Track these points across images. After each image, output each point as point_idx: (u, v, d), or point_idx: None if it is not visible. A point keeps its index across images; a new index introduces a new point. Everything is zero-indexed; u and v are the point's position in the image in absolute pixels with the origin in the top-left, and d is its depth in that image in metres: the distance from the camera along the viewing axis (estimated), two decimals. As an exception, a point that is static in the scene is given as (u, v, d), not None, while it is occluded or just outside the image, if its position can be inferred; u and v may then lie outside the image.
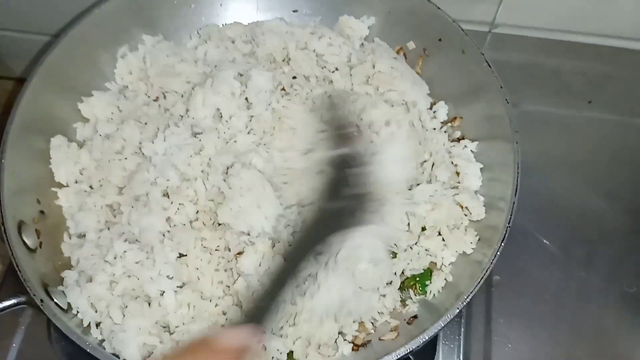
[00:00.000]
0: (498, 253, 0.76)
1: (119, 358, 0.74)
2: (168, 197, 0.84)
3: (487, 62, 0.88)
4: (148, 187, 0.84)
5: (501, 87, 0.85)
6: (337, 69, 0.96)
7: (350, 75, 0.95)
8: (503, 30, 1.09)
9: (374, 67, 0.95)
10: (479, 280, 0.75)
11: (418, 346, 0.73)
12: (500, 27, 1.09)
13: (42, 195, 0.87)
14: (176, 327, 0.78)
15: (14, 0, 1.08)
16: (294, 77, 0.95)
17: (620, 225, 0.99)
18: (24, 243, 0.79)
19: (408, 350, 0.72)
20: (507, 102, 0.84)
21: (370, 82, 0.94)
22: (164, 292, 0.78)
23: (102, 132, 0.92)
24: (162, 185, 0.84)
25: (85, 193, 0.88)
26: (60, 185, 0.89)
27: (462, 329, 0.91)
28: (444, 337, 0.90)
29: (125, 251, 0.80)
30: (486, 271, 0.75)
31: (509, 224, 0.77)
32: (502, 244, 0.76)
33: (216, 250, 0.83)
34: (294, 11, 1.03)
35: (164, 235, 0.82)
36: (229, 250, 0.81)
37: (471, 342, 0.91)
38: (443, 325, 0.73)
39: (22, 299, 0.75)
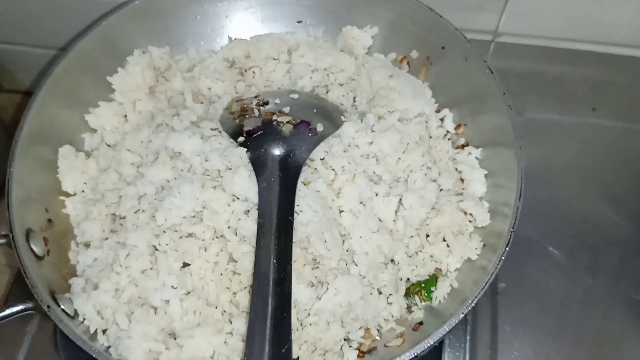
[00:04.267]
0: (502, 258, 0.76)
1: (125, 364, 0.75)
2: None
3: (489, 69, 0.88)
4: (136, 202, 0.85)
5: (504, 94, 0.86)
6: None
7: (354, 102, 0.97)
8: (506, 39, 1.10)
9: (370, 85, 0.96)
10: (483, 285, 0.74)
11: (423, 351, 0.73)
12: (503, 35, 1.10)
13: (50, 204, 0.88)
14: (181, 332, 0.79)
15: (21, 15, 1.10)
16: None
17: (625, 232, 0.99)
18: (32, 250, 0.80)
19: (412, 356, 0.72)
20: (510, 108, 0.85)
21: (372, 105, 0.95)
22: (169, 300, 0.78)
23: (109, 141, 0.93)
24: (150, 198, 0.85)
25: (91, 202, 0.89)
26: (68, 194, 0.90)
27: (468, 337, 0.91)
28: (449, 345, 0.90)
29: (128, 261, 0.80)
30: (491, 276, 0.75)
31: (513, 228, 0.77)
32: (507, 248, 0.76)
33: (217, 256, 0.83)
34: (299, 22, 1.04)
35: (156, 248, 0.82)
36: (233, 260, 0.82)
37: (477, 350, 0.91)
38: (448, 329, 0.72)
39: (30, 305, 0.75)
